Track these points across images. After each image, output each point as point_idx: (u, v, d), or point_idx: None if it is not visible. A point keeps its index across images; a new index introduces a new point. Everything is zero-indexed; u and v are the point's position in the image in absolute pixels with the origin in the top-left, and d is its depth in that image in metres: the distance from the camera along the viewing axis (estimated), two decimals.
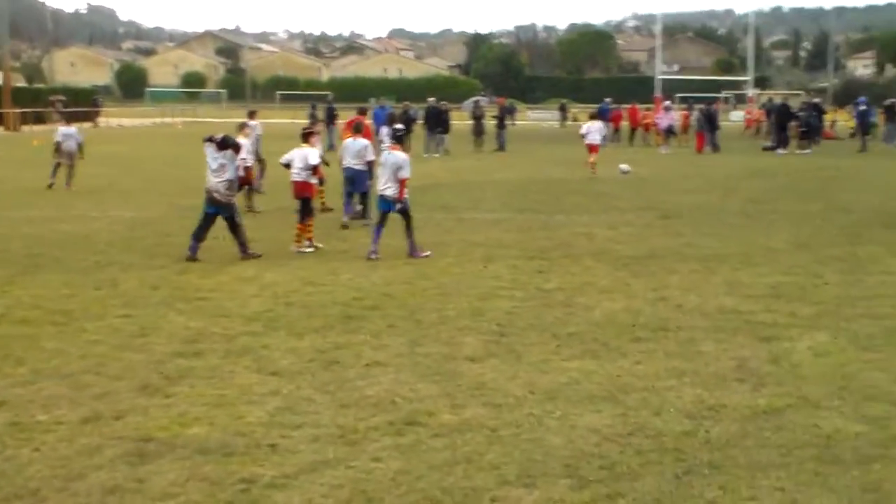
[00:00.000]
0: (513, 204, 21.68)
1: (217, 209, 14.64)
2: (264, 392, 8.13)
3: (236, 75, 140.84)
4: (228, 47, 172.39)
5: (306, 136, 16.48)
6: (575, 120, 74.21)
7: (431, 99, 39.39)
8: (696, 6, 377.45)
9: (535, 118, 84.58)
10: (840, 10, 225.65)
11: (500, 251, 15.26)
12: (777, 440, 6.99)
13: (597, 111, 41.05)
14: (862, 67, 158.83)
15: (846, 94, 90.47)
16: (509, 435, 7.10)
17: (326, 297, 11.90)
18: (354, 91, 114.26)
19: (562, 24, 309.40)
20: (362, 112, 24.27)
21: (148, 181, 26.70)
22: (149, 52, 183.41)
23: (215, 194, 14.55)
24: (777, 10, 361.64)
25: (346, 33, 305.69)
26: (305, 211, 15.65)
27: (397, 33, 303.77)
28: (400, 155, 14.88)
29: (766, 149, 42.74)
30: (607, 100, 49.53)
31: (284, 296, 11.93)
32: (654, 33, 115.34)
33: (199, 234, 14.66)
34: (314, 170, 15.81)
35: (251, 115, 25.34)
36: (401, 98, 65.51)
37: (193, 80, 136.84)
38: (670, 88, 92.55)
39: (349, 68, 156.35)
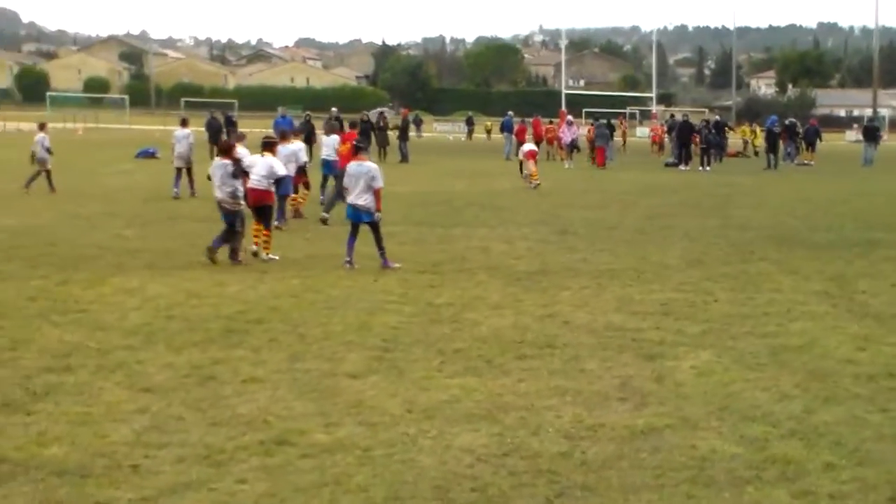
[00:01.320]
0: (411, 216, 21.46)
1: (224, 216, 15.03)
2: (133, 409, 7.82)
3: (140, 81, 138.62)
4: (133, 52, 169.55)
5: (268, 146, 16.12)
6: (488, 131, 74.28)
7: (334, 109, 39.00)
8: (602, 22, 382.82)
9: (441, 130, 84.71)
10: (743, 30, 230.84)
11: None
12: (652, 461, 6.91)
13: (501, 124, 41.19)
14: (764, 86, 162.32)
15: (749, 113, 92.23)
16: (381, 455, 6.90)
17: (210, 310, 11.59)
18: (260, 99, 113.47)
19: (470, 37, 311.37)
20: (353, 126, 27.13)
21: (39, 188, 25.83)
22: (50, 56, 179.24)
23: (223, 203, 15.02)
24: (682, 28, 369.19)
25: (254, 41, 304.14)
26: (267, 218, 15.62)
27: (305, 42, 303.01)
28: (369, 165, 14.74)
29: (668, 165, 43.29)
30: (510, 113, 49.69)
31: (167, 308, 11.58)
32: (561, 48, 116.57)
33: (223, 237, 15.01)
34: (278, 181, 15.75)
35: (183, 122, 25.40)
36: (307, 107, 65.05)
37: (96, 85, 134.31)
38: (577, 103, 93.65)
39: (255, 76, 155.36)
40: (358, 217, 14.62)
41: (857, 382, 8.99)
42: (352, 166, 14.85)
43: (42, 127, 26.55)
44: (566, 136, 42.89)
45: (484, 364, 9.46)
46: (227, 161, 15.15)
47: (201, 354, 9.56)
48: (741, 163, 46.91)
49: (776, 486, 6.50)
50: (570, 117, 46.35)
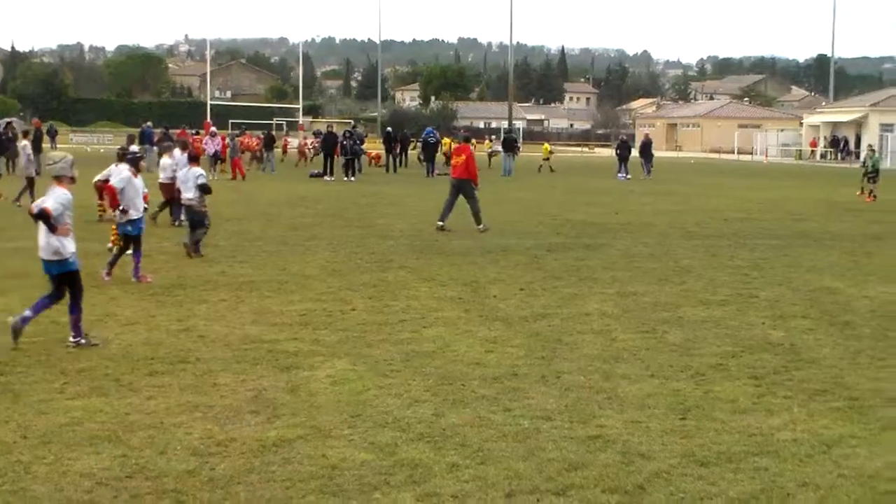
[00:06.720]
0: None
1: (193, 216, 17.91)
2: None
3: None
4: None
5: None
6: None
7: None
8: (249, 33, 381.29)
9: (80, 142, 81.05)
10: (388, 44, 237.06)
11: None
12: (282, 474, 6.80)
13: (138, 134, 40.28)
14: (409, 99, 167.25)
15: (393, 124, 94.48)
16: None
17: None
18: None
19: (110, 46, 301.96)
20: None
21: None
22: None
23: (192, 205, 17.88)
24: (330, 41, 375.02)
25: None
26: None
27: None
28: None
29: (312, 175, 43.58)
30: (148, 123, 48.65)
31: None
32: (206, 59, 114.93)
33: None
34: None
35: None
36: None
37: None
38: (224, 114, 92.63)
39: None
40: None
41: (483, 384, 9.29)
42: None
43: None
44: (209, 147, 42.26)
45: (111, 383, 9.03)
46: (198, 170, 17.96)
47: None
48: (380, 173, 47.94)
49: (403, 489, 6.56)
50: (213, 129, 45.76)
